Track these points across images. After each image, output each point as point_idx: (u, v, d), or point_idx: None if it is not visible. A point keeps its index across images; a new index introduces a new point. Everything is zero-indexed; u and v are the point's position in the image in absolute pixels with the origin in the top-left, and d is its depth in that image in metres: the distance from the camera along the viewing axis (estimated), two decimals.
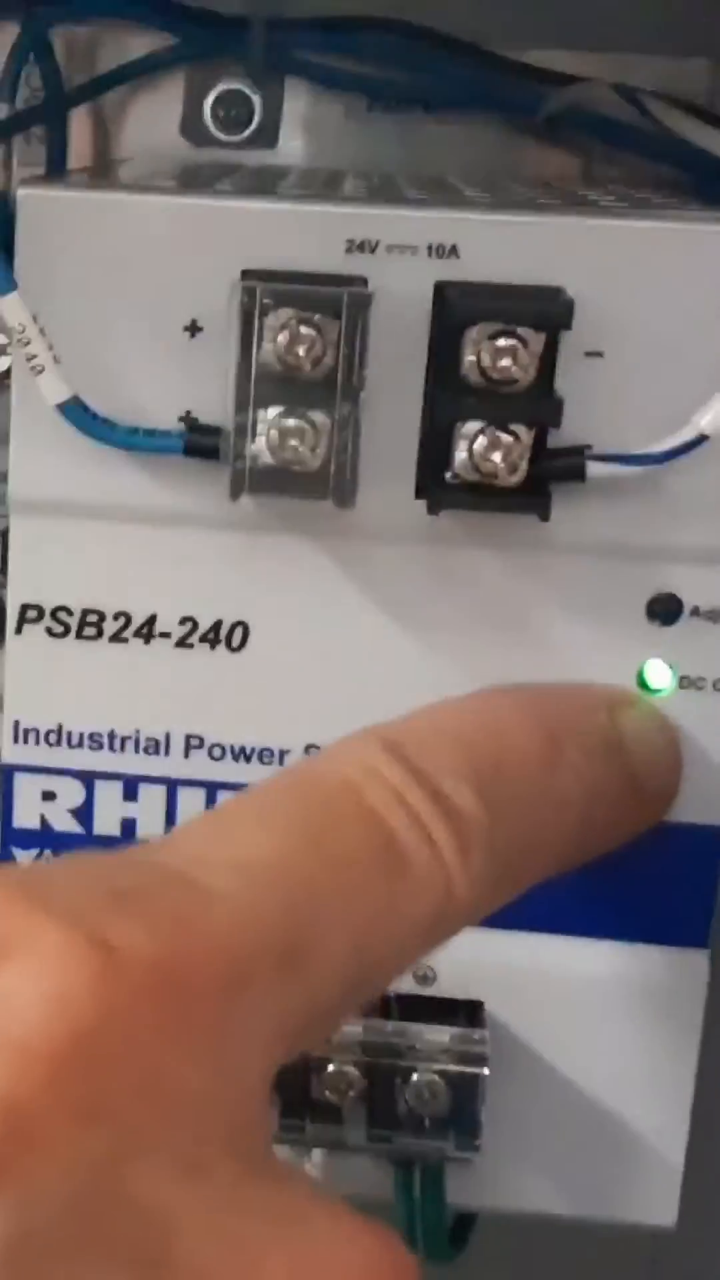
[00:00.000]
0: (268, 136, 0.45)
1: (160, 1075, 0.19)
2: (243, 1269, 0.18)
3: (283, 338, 0.29)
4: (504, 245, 0.30)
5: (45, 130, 0.44)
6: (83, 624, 0.33)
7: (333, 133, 0.45)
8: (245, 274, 0.30)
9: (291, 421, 0.30)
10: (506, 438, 0.30)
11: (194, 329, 0.31)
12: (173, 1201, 0.18)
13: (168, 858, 0.22)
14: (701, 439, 0.30)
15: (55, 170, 0.43)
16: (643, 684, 0.32)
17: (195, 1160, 0.19)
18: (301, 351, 0.29)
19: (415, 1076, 0.32)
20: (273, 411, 0.30)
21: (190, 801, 0.34)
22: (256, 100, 0.45)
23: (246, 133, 0.45)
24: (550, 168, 0.44)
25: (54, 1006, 0.18)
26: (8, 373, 0.38)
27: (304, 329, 0.29)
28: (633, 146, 0.40)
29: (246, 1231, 0.19)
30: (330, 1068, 0.32)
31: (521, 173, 0.44)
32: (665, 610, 0.32)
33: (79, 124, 0.45)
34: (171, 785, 0.34)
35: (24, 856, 0.34)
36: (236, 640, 0.33)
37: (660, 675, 0.32)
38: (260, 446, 0.30)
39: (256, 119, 0.45)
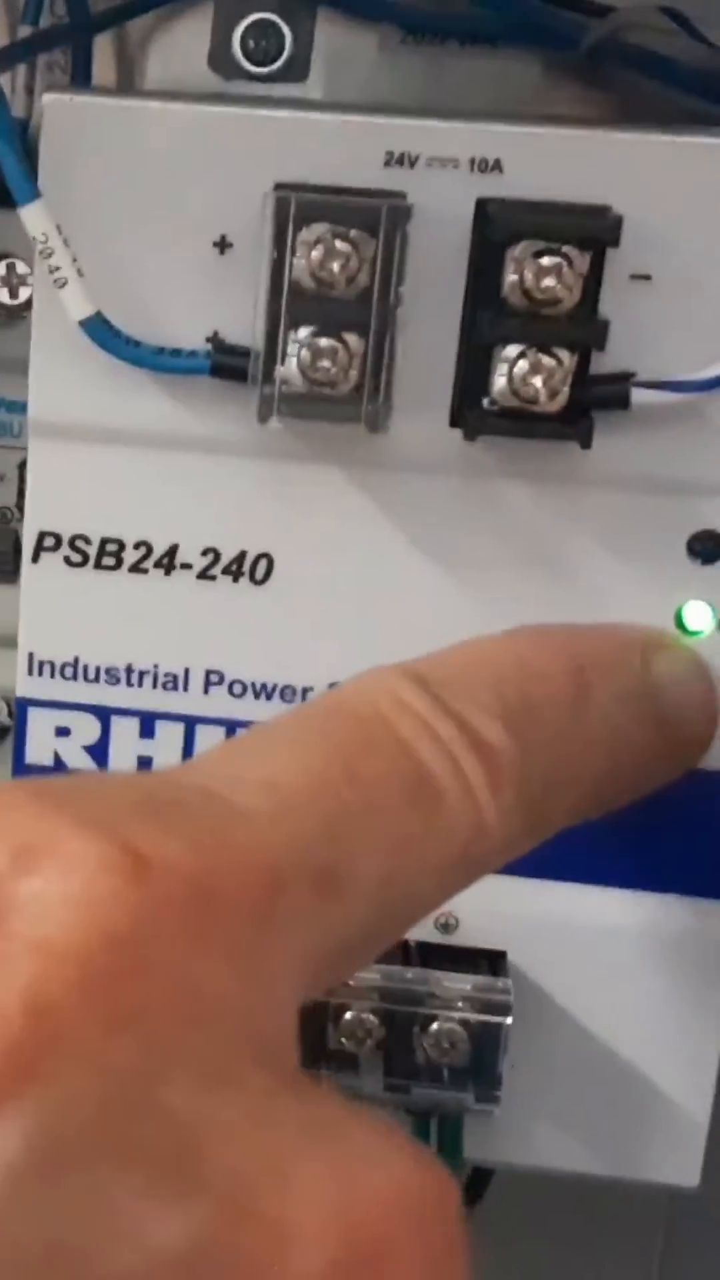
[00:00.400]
0: (299, 69, 0.44)
1: (192, 986, 0.18)
2: (274, 1179, 0.17)
3: (316, 253, 0.28)
4: (549, 160, 0.29)
5: (68, 57, 0.43)
6: (101, 553, 0.32)
7: (366, 66, 0.43)
8: (278, 186, 0.29)
9: (324, 341, 0.29)
10: (548, 361, 0.28)
11: (224, 245, 0.30)
12: (203, 1111, 0.17)
13: (197, 776, 0.22)
14: None
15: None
16: (681, 625, 0.31)
17: (227, 1071, 0.18)
18: (336, 268, 0.28)
19: (435, 1025, 0.31)
20: (304, 331, 0.29)
21: (208, 739, 0.33)
22: (288, 31, 0.43)
23: (276, 65, 0.44)
24: (590, 105, 0.43)
25: (84, 909, 0.18)
26: (27, 304, 0.37)
27: (339, 244, 0.28)
28: (676, 79, 0.39)
29: (278, 1142, 0.18)
30: (348, 1015, 0.31)
31: (560, 110, 0.43)
32: (706, 548, 0.31)
33: (102, 53, 0.44)
34: (190, 722, 0.32)
35: None
36: (261, 573, 0.32)
37: (700, 616, 0.31)
38: (290, 368, 0.29)
39: (287, 51, 0.43)
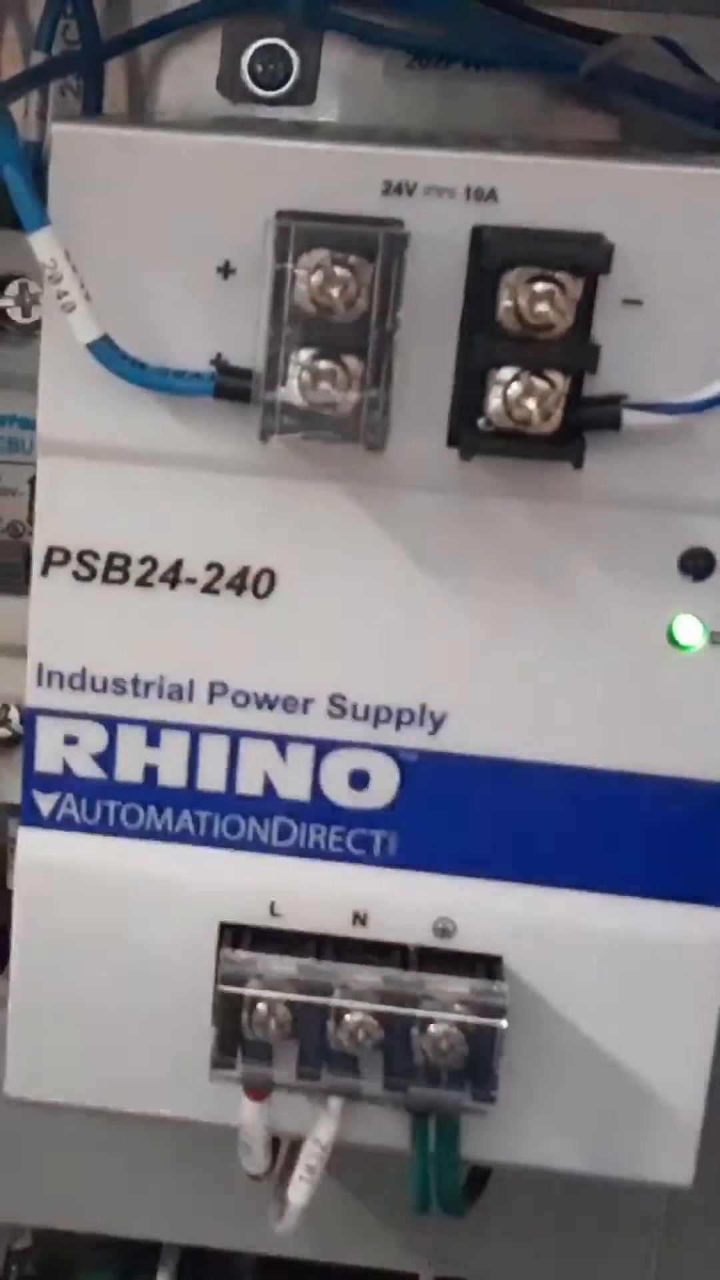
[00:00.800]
0: (306, 93, 0.45)
1: None
2: None
3: (316, 278, 0.29)
4: (543, 189, 0.29)
5: (80, 82, 0.44)
6: (109, 568, 0.33)
7: (371, 90, 0.44)
8: (280, 214, 0.30)
9: (323, 364, 0.29)
10: (541, 384, 0.29)
11: (227, 270, 0.31)
12: None
13: None
14: None
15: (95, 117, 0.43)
16: (672, 639, 0.32)
17: None
18: (335, 293, 0.29)
19: (432, 1027, 0.32)
20: (305, 354, 0.30)
21: (213, 748, 0.33)
22: (295, 56, 0.44)
23: (284, 89, 0.45)
24: (590, 128, 0.43)
25: None
26: (38, 324, 0.38)
27: (338, 270, 0.29)
28: (673, 105, 0.40)
29: None
30: (348, 1017, 0.32)
31: (561, 133, 0.43)
32: (697, 565, 0.31)
33: (115, 77, 0.45)
34: (194, 732, 0.33)
35: (45, 801, 0.34)
36: (263, 587, 0.33)
37: (691, 631, 0.32)
38: (291, 389, 0.30)
39: (295, 75, 0.44)
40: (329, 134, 0.36)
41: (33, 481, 0.33)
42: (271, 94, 0.44)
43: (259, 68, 0.44)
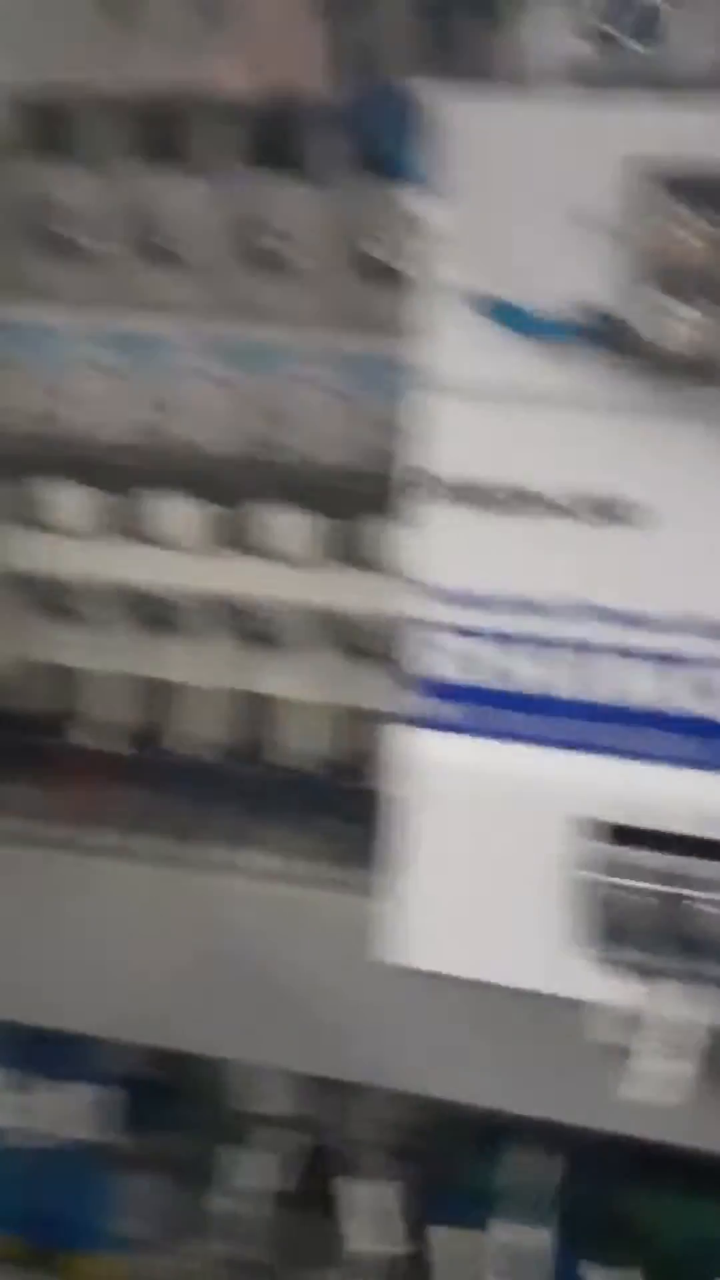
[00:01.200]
0: (671, 38, 0.46)
1: None
2: None
3: (685, 232, 0.32)
4: None
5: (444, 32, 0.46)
6: (495, 498, 0.36)
7: None
8: (649, 171, 0.32)
9: (692, 312, 0.32)
10: None
11: (599, 224, 0.33)
12: None
13: None
14: None
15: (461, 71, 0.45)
16: None
17: None
18: (702, 245, 0.31)
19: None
20: (675, 302, 0.32)
21: (597, 665, 0.36)
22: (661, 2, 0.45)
23: (650, 35, 0.46)
24: None
25: None
26: (410, 273, 0.41)
27: (706, 223, 0.31)
28: None
29: None
30: (709, 908, 0.35)
31: None
32: None
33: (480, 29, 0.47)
34: (579, 649, 0.36)
35: (438, 708, 0.38)
36: (639, 518, 0.35)
37: None
38: (662, 335, 0.32)
39: (660, 21, 0.45)
40: (695, 83, 0.37)
41: (408, 418, 0.37)
42: (637, 41, 0.46)
43: (622, 15, 0.46)
